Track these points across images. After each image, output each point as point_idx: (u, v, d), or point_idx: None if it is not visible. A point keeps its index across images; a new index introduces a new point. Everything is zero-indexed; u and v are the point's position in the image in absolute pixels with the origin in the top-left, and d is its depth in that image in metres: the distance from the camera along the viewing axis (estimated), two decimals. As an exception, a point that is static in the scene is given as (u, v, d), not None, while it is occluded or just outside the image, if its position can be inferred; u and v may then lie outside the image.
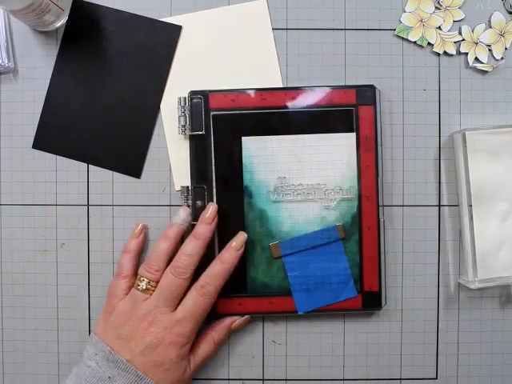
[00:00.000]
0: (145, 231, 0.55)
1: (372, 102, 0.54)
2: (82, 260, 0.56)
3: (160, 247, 0.51)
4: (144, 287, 0.50)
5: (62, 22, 0.54)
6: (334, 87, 0.54)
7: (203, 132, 0.54)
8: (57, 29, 0.55)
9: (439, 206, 0.56)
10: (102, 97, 0.55)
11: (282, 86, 0.55)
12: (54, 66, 0.55)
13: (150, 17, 0.55)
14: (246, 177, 0.54)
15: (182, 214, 0.52)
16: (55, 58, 0.55)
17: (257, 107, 0.54)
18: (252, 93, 0.54)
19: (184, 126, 0.54)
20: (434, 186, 0.56)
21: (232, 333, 0.55)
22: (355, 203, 0.54)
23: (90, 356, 0.49)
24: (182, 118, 0.54)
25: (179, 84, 0.55)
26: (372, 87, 0.54)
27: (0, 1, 0.48)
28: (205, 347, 0.52)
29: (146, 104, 0.55)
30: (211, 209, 0.52)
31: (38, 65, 0.55)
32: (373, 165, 0.54)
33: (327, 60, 0.55)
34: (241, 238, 0.52)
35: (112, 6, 0.55)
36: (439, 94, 0.56)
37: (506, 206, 0.53)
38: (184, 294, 0.50)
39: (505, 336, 0.56)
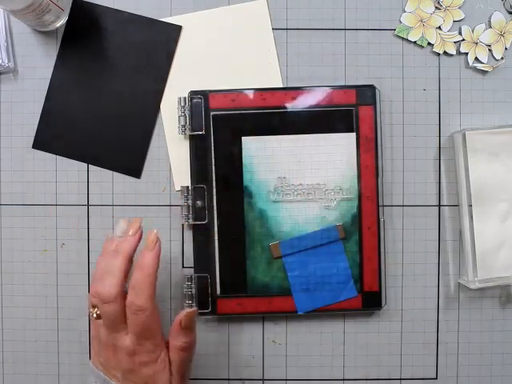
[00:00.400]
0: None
1: (372, 102, 0.54)
2: (82, 260, 0.56)
3: (101, 265, 0.47)
4: (95, 316, 0.45)
5: (62, 22, 0.54)
6: (333, 87, 0.54)
7: (203, 132, 0.54)
8: (57, 29, 0.55)
9: (439, 206, 0.56)
10: (101, 97, 0.55)
11: (281, 85, 0.55)
12: (53, 66, 0.55)
13: (149, 17, 0.55)
14: (246, 177, 0.54)
15: (123, 226, 0.48)
16: (55, 58, 0.55)
17: (257, 107, 0.54)
18: (252, 93, 0.54)
19: (184, 125, 0.54)
20: (434, 186, 0.56)
21: (187, 329, 0.47)
22: (355, 203, 0.54)
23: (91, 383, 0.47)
24: (181, 118, 0.54)
25: (179, 84, 0.55)
26: (372, 87, 0.54)
27: (0, 1, 0.48)
28: (175, 357, 0.47)
29: (145, 104, 0.55)
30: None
31: (38, 65, 0.55)
32: (373, 165, 0.54)
33: (327, 60, 0.55)
34: (152, 235, 0.47)
35: (112, 6, 0.55)
36: (439, 94, 0.56)
37: (506, 206, 0.53)
38: None
39: (505, 336, 0.56)
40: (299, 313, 0.54)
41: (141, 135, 0.55)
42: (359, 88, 0.54)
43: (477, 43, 0.55)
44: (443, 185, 0.56)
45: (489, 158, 0.53)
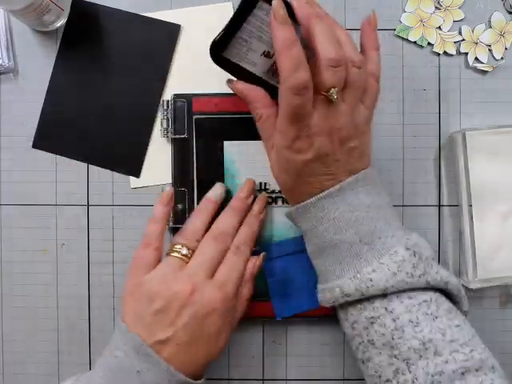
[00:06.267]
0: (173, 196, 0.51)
1: None
2: (82, 260, 0.56)
3: (195, 221, 0.50)
4: (185, 252, 0.48)
5: (61, 22, 0.54)
6: None
7: (185, 135, 0.54)
8: (57, 29, 0.55)
9: (439, 206, 0.56)
10: (101, 97, 0.55)
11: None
12: (53, 66, 0.55)
13: (148, 11, 0.55)
14: (227, 181, 0.53)
15: (218, 189, 0.52)
16: (55, 57, 0.55)
17: (239, 112, 0.53)
18: (234, 98, 0.52)
19: (166, 129, 0.54)
20: (434, 186, 0.56)
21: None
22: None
23: (118, 345, 0.45)
24: (164, 121, 0.54)
25: (179, 84, 0.55)
26: None
27: (0, 1, 0.48)
28: (238, 307, 0.49)
29: (145, 104, 0.55)
30: (247, 184, 0.52)
31: (38, 65, 0.55)
32: None
33: (327, 60, 0.55)
34: (260, 201, 0.52)
35: (112, 6, 0.55)
36: (439, 94, 0.55)
37: (506, 206, 0.53)
38: None
39: (505, 336, 0.56)
40: (277, 318, 0.53)
41: (140, 135, 0.55)
42: None
43: (477, 43, 0.55)
44: (443, 185, 0.56)
45: (489, 157, 0.53)
